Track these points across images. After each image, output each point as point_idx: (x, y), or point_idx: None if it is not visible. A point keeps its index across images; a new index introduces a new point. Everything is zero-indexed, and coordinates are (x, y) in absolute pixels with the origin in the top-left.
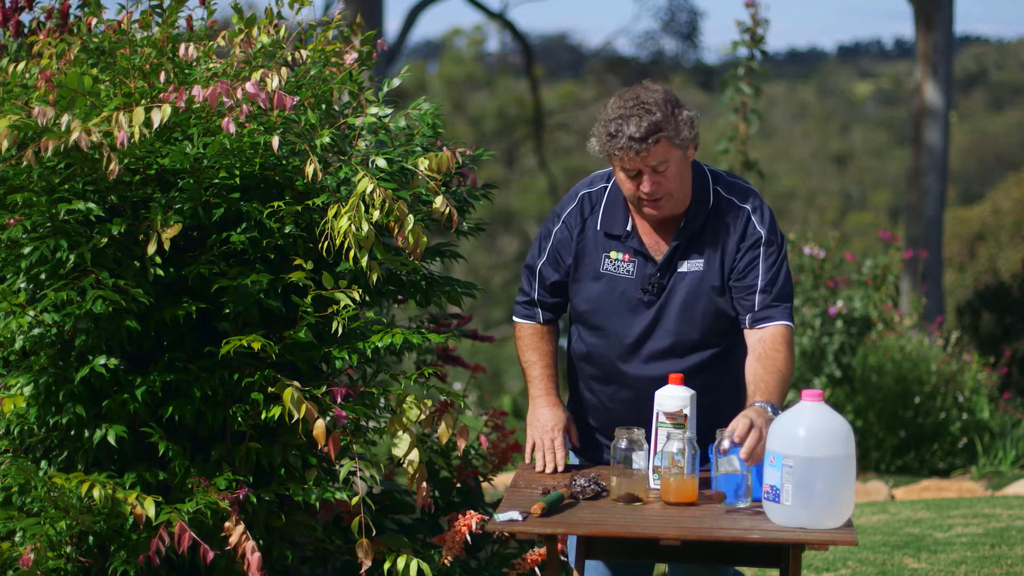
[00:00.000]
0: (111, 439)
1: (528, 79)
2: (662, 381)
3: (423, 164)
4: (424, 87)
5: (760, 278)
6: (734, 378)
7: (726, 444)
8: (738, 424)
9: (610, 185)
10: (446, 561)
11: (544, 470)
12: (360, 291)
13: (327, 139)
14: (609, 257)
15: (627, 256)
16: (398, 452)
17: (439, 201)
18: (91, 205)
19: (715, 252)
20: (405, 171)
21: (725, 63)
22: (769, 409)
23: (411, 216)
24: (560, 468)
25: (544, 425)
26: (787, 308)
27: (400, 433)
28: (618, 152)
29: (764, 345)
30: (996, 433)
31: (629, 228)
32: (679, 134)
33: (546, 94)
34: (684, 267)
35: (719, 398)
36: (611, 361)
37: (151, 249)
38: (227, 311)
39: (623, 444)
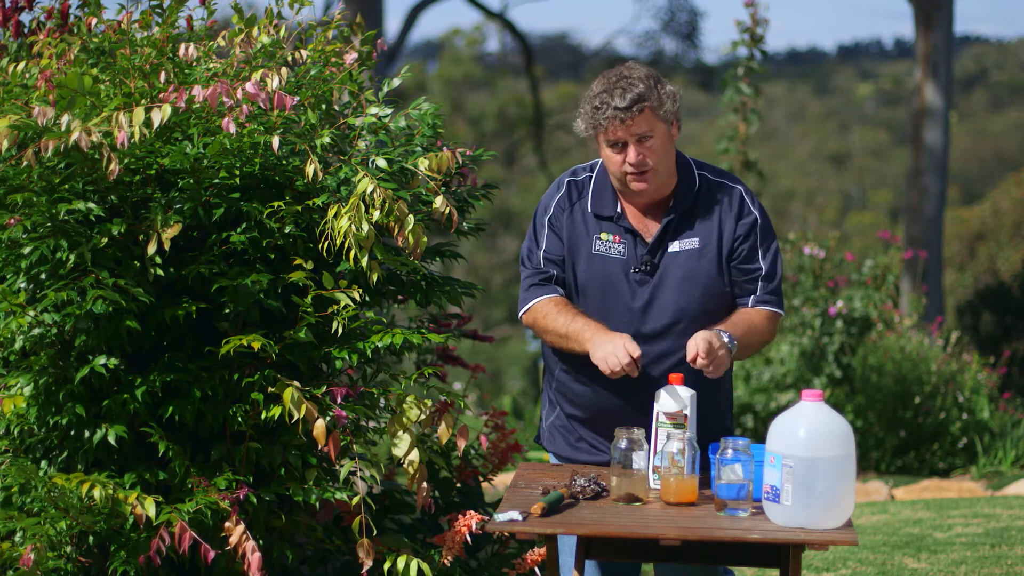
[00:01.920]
0: (111, 439)
1: (528, 79)
2: (661, 360)
3: (423, 164)
4: (424, 87)
5: (763, 268)
6: (724, 398)
7: (729, 452)
8: (696, 343)
9: (595, 173)
10: (446, 561)
11: (631, 361)
12: (360, 291)
13: (327, 139)
14: (600, 239)
15: (617, 237)
16: (398, 452)
17: (439, 201)
18: (91, 205)
19: (711, 229)
20: (405, 171)
21: (725, 63)
22: (724, 336)
23: (411, 216)
24: (637, 355)
25: (611, 341)
26: (781, 296)
27: (400, 433)
28: (604, 122)
29: (755, 311)
30: (996, 433)
31: (619, 210)
32: (662, 105)
33: (546, 94)
34: (676, 246)
35: (722, 385)
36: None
37: (151, 249)
38: (227, 311)
39: (623, 444)
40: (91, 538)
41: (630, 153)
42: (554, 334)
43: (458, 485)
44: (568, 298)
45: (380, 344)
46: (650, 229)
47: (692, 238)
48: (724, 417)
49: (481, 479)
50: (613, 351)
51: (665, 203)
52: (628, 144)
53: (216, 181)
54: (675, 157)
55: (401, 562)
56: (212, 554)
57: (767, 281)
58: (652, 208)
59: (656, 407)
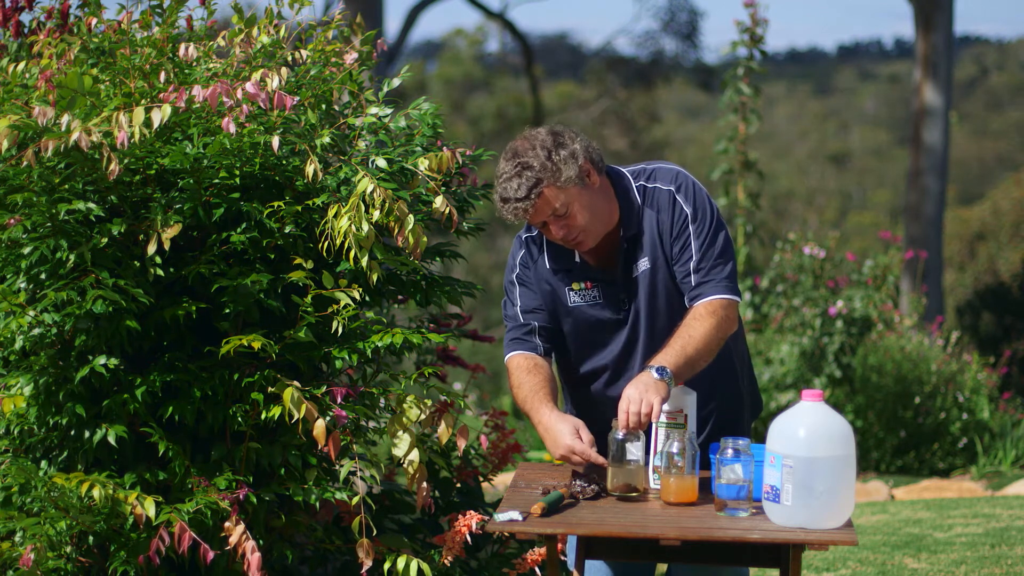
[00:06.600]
0: (111, 439)
1: (528, 79)
2: None
3: (423, 164)
4: (424, 87)
5: (693, 257)
6: (730, 366)
7: (729, 452)
8: (619, 414)
9: None
10: (446, 561)
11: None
12: (360, 290)
13: (327, 139)
14: (572, 290)
15: (588, 284)
16: (398, 452)
17: (439, 201)
18: (91, 205)
19: (656, 243)
20: (405, 171)
21: (725, 63)
22: (653, 372)
23: (411, 216)
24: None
25: (564, 437)
26: (722, 282)
27: (400, 433)
28: (511, 216)
29: (690, 313)
30: (996, 433)
31: (577, 259)
32: (560, 176)
33: (546, 94)
34: (635, 271)
35: (717, 388)
36: (601, 384)
37: (151, 249)
38: (227, 311)
39: (619, 435)
40: (91, 538)
41: (552, 231)
42: (516, 397)
43: (458, 485)
44: (555, 342)
45: (380, 344)
46: (614, 264)
47: (643, 259)
48: (742, 398)
49: (481, 479)
50: (554, 445)
51: (616, 233)
52: (547, 222)
53: (216, 181)
54: (607, 194)
55: (401, 562)
56: (211, 554)
57: (699, 271)
58: (609, 245)
59: None
